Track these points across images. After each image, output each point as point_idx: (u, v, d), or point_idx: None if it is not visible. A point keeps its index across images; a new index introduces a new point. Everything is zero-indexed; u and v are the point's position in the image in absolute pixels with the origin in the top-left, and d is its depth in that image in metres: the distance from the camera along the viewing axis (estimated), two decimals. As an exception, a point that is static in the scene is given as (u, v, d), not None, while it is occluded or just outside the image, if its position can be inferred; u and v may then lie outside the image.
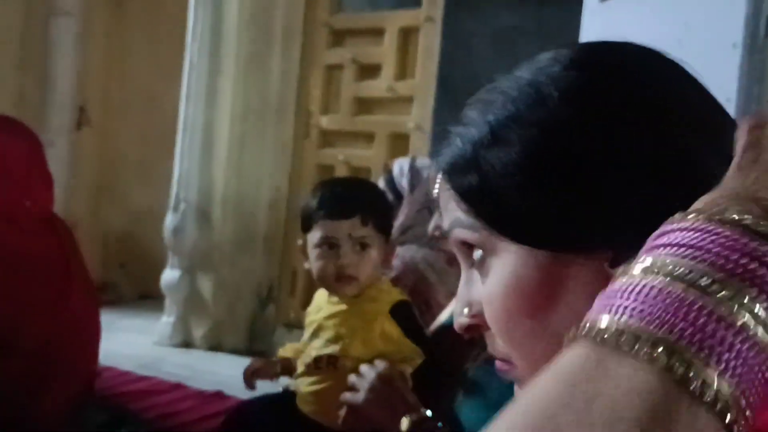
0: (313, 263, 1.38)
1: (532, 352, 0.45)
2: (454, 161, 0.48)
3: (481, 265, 0.47)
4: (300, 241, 1.45)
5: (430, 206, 1.76)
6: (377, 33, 3.18)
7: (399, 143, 3.13)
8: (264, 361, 1.49)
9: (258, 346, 3.19)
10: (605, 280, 0.42)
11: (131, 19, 4.23)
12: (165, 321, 3.23)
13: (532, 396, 0.30)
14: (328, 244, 1.36)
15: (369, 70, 3.20)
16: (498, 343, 0.48)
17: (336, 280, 1.36)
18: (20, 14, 4.05)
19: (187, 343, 3.18)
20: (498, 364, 0.50)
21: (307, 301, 3.21)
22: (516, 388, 0.50)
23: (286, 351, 1.53)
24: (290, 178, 3.33)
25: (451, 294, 1.60)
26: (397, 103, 3.14)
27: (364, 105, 3.23)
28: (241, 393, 2.64)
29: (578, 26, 2.23)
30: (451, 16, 2.99)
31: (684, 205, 0.34)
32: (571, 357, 0.30)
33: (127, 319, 3.59)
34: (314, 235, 1.37)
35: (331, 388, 1.31)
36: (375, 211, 1.39)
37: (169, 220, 3.28)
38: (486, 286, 0.47)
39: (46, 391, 1.82)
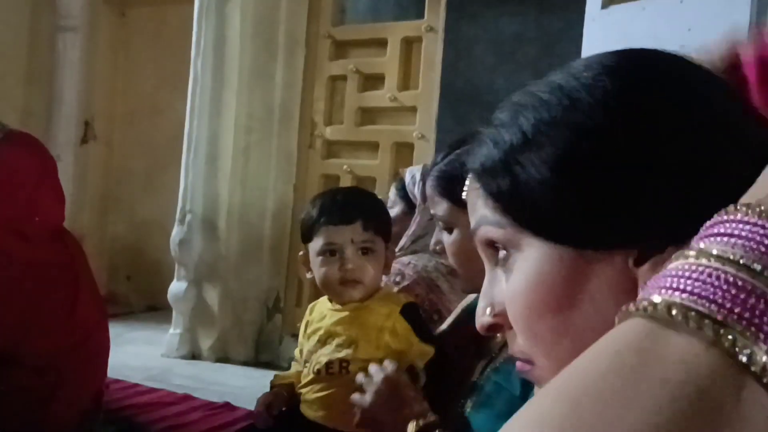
0: (316, 271, 1.39)
1: (555, 350, 0.45)
2: (485, 162, 0.49)
3: (505, 263, 0.48)
4: (301, 252, 1.46)
5: None
6: (380, 44, 3.20)
7: (403, 152, 3.14)
8: (272, 393, 1.49)
9: (265, 357, 3.19)
10: (629, 278, 0.43)
11: (136, 34, 4.26)
12: (172, 333, 3.23)
13: (580, 363, 0.31)
14: (331, 251, 1.37)
15: (372, 81, 3.22)
16: (519, 343, 0.48)
17: (341, 285, 1.37)
18: (26, 30, 4.09)
19: (194, 355, 3.19)
20: (518, 364, 0.50)
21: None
22: (536, 391, 0.50)
23: (283, 378, 1.53)
24: (295, 188, 3.34)
25: (455, 299, 1.60)
26: (401, 113, 3.15)
27: (368, 115, 3.24)
28: (249, 404, 2.64)
29: (579, 33, 2.24)
30: (453, 26, 3.00)
31: (709, 207, 0.35)
32: (622, 329, 0.32)
33: (135, 331, 3.60)
34: (316, 243, 1.39)
35: (341, 393, 1.31)
36: (375, 216, 1.41)
37: (176, 232, 3.29)
38: (510, 282, 0.47)
39: (54, 403, 1.82)
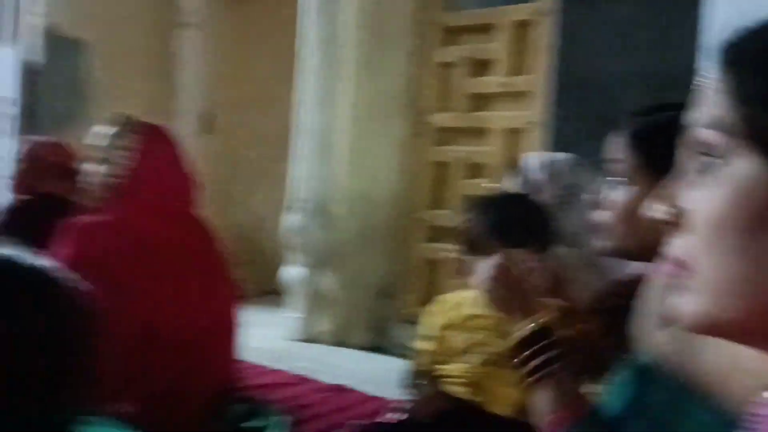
0: (484, 286, 1.40)
1: (727, 268, 0.45)
2: (745, 48, 0.47)
3: (710, 170, 0.47)
4: (460, 260, 1.47)
5: (570, 201, 1.73)
6: (490, 29, 3.17)
7: (515, 139, 3.10)
8: (427, 394, 1.51)
9: (379, 342, 3.25)
10: None
11: (251, 27, 4.41)
12: (289, 316, 3.34)
13: None
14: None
15: (483, 67, 3.20)
16: (682, 246, 0.49)
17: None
18: (148, 26, 4.31)
19: (311, 338, 3.28)
20: (667, 267, 0.50)
21: (426, 296, 3.24)
22: (665, 297, 0.50)
23: (422, 369, 1.55)
24: (407, 175, 3.36)
25: (586, 291, 1.58)
26: (512, 99, 3.12)
27: (479, 101, 3.22)
28: (365, 387, 2.71)
29: (695, 14, 2.15)
30: (566, 9, 2.93)
31: None
32: None
33: (252, 314, 3.73)
34: (484, 260, 1.39)
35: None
36: (545, 235, 1.40)
37: (290, 220, 3.40)
38: (710, 189, 0.47)
39: (192, 382, 1.92)
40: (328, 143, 3.35)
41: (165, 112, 4.23)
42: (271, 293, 4.00)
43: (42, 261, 0.79)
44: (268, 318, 3.62)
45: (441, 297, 1.58)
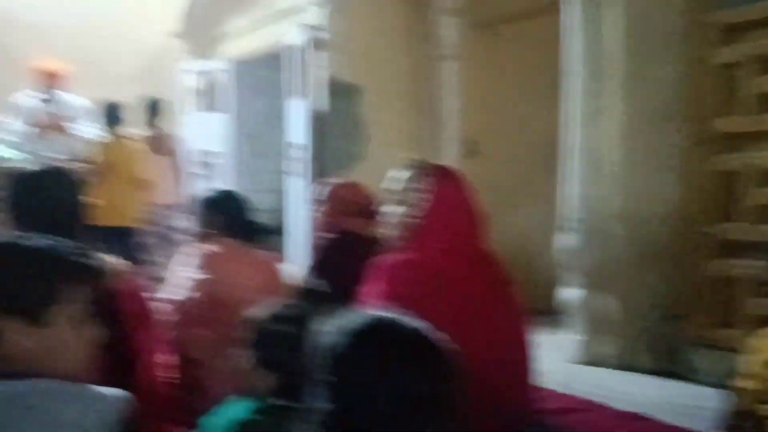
0: None
1: None
2: None
3: None
4: None
5: None
6: (781, 20, 2.86)
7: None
8: None
9: (670, 367, 3.06)
10: None
11: (506, 52, 4.49)
12: (572, 339, 3.30)
13: None
14: None
15: (773, 63, 2.90)
16: None
17: None
18: (411, 63, 4.60)
19: (595, 361, 3.21)
20: None
21: (722, 317, 2.99)
22: None
23: (744, 404, 1.45)
24: (688, 188, 3.14)
25: None
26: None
27: (771, 101, 2.92)
28: (660, 415, 2.58)
29: None
30: None
31: None
32: None
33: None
34: None
35: None
36: None
37: (562, 239, 3.37)
38: None
39: (488, 411, 1.98)
40: (597, 160, 3.27)
41: (430, 141, 4.47)
42: (543, 314, 3.98)
43: (415, 321, 0.89)
44: (544, 340, 3.60)
45: (764, 331, 1.47)
